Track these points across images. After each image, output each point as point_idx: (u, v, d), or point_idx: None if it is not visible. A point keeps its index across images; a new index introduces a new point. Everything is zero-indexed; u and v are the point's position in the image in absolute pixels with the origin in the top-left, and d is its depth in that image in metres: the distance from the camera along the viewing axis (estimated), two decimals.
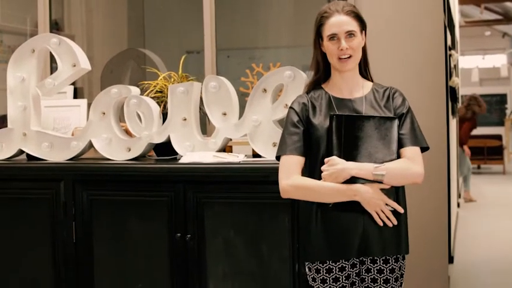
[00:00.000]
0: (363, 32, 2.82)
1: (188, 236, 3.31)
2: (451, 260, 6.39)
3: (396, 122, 2.73)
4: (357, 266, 2.79)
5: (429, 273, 4.16)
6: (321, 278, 2.78)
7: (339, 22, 2.75)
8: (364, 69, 2.89)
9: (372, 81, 2.91)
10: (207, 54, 4.56)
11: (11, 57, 3.79)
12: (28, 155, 3.81)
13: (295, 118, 2.80)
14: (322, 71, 2.88)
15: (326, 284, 2.77)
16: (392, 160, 2.70)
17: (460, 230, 8.49)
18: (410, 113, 2.80)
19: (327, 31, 2.77)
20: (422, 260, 4.08)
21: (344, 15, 2.75)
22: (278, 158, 2.83)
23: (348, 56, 2.75)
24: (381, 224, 2.70)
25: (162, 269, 3.38)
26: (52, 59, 4.48)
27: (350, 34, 2.74)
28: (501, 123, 18.31)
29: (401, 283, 2.82)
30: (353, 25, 2.75)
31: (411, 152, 2.73)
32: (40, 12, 4.97)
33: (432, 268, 4.17)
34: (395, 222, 2.71)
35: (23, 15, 6.03)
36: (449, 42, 6.70)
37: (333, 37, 2.76)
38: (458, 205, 10.23)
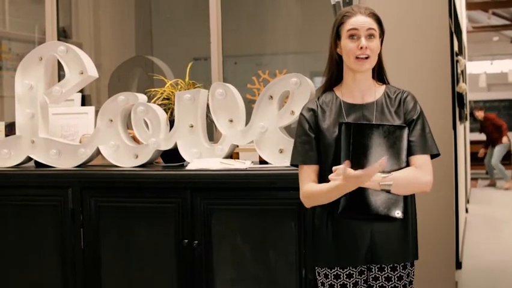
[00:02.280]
0: (381, 38, 2.80)
1: (196, 242, 3.32)
2: (459, 265, 6.38)
3: (406, 131, 2.69)
4: (365, 273, 2.79)
5: (437, 279, 4.15)
6: (329, 283, 2.79)
7: (361, 21, 2.71)
8: (378, 74, 2.85)
9: (388, 83, 2.88)
10: (213, 61, 4.58)
11: (19, 65, 3.81)
12: (36, 162, 3.83)
13: (306, 126, 2.79)
14: (336, 74, 2.85)
15: None
16: (400, 169, 2.67)
17: (468, 236, 8.47)
18: (421, 118, 2.76)
19: (347, 27, 2.72)
20: (429, 266, 4.07)
21: (366, 16, 2.72)
22: (292, 164, 2.84)
23: (366, 56, 2.70)
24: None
25: (169, 275, 3.38)
26: (60, 66, 4.51)
27: (371, 35, 2.71)
28: (509, 128, 18.22)
29: None
30: (374, 26, 2.72)
31: (420, 160, 2.69)
32: (48, 20, 5.00)
33: (439, 274, 4.17)
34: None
35: (31, 23, 6.07)
36: (456, 48, 6.70)
37: (353, 35, 2.71)
38: (467, 210, 10.21)
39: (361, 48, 2.69)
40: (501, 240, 8.41)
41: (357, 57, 2.71)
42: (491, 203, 11.72)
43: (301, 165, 2.79)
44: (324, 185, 2.67)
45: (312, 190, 2.72)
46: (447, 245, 4.27)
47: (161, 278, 3.40)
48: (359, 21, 2.71)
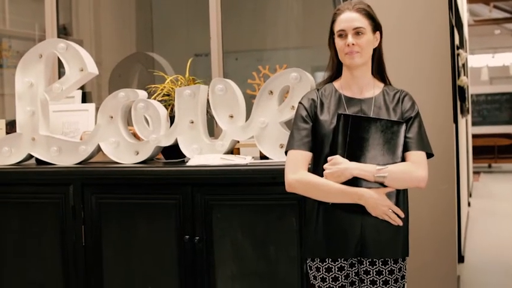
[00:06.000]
0: (377, 32, 2.82)
1: (197, 238, 3.32)
2: (461, 259, 6.38)
3: (403, 127, 2.73)
4: (356, 265, 2.81)
5: (439, 273, 4.15)
6: (321, 276, 2.81)
7: (348, 18, 2.76)
8: (378, 71, 2.89)
9: (389, 83, 2.91)
10: (213, 57, 4.57)
11: (19, 62, 3.81)
12: (37, 160, 3.84)
13: (304, 113, 2.82)
14: (335, 69, 2.90)
15: (325, 283, 2.80)
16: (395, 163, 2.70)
17: (470, 230, 8.47)
18: (418, 118, 2.79)
19: (336, 27, 2.78)
20: (431, 260, 4.08)
21: (354, 12, 2.76)
22: (287, 153, 2.84)
23: (356, 52, 2.74)
24: (393, 222, 2.71)
25: (171, 271, 3.39)
26: (60, 64, 4.51)
27: (358, 31, 2.74)
28: (511, 121, 18.25)
29: (403, 285, 2.83)
30: (361, 22, 2.75)
31: (416, 156, 2.72)
32: (47, 18, 4.99)
33: (441, 268, 4.17)
34: (401, 223, 2.72)
35: (31, 20, 6.06)
36: (457, 42, 6.69)
37: (341, 34, 2.77)
38: (469, 204, 10.21)
39: (348, 45, 2.74)
40: (503, 234, 8.41)
41: (346, 53, 2.75)
42: (493, 197, 11.72)
43: (296, 150, 2.79)
44: (329, 182, 2.69)
45: (314, 180, 2.73)
46: (449, 239, 4.27)
47: (163, 273, 3.41)
48: (346, 19, 2.77)
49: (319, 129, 2.79)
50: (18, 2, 6.33)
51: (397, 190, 2.72)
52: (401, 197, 2.76)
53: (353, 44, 2.73)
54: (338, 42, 2.78)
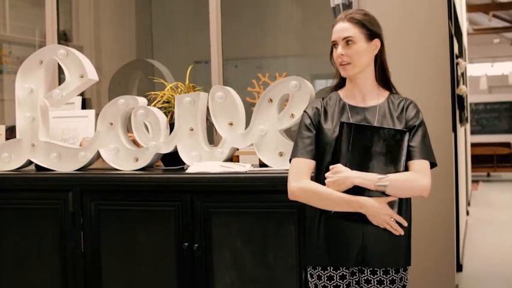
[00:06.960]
0: (375, 39, 2.80)
1: (196, 245, 3.32)
2: (459, 268, 6.37)
3: (406, 136, 2.71)
4: (357, 274, 2.80)
5: (437, 281, 4.15)
6: (322, 285, 2.81)
7: (338, 29, 2.78)
8: (381, 78, 2.87)
9: (395, 91, 2.90)
10: (213, 64, 4.58)
11: (19, 68, 3.81)
12: (37, 166, 3.84)
13: (308, 121, 2.83)
14: (340, 77, 2.90)
15: None
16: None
17: (469, 238, 8.47)
18: (423, 127, 2.78)
19: (331, 39, 2.80)
20: (429, 269, 4.08)
21: (346, 22, 2.77)
22: (291, 161, 2.84)
23: (347, 62, 2.76)
24: (394, 232, 2.71)
25: (170, 278, 3.38)
26: (60, 70, 4.51)
27: (348, 41, 2.75)
28: (510, 130, 18.26)
29: None
30: (351, 31, 2.75)
31: (419, 165, 2.71)
32: (48, 24, 5.00)
33: (440, 276, 4.17)
34: (402, 233, 2.71)
35: (31, 26, 6.07)
36: (456, 51, 6.70)
37: (334, 44, 2.79)
38: (468, 213, 10.21)
39: (338, 56, 2.76)
40: (502, 243, 8.41)
41: (340, 64, 2.77)
42: (492, 206, 11.71)
43: (299, 158, 2.78)
44: (331, 190, 2.68)
45: (316, 188, 2.72)
46: (447, 248, 4.27)
47: (162, 281, 3.40)
48: (337, 30, 2.79)
49: (322, 138, 2.78)
50: (19, 7, 6.34)
51: (400, 199, 2.71)
52: (403, 206, 2.75)
53: (342, 55, 2.75)
54: (334, 53, 2.81)
